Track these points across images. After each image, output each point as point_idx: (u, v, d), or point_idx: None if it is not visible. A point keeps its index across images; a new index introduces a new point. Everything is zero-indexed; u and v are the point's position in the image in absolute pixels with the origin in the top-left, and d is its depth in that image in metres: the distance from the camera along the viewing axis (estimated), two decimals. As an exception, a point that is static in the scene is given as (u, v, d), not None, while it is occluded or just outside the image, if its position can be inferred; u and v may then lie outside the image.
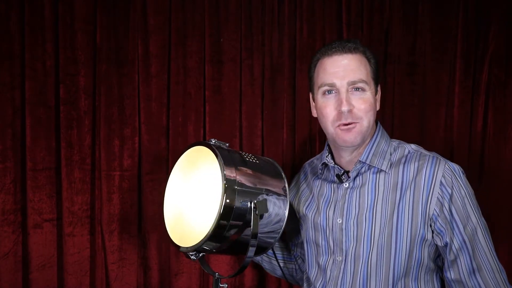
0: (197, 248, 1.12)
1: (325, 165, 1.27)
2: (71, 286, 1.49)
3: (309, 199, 1.30)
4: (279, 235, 1.23)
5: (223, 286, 1.21)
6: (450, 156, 1.57)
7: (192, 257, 1.15)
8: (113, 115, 1.51)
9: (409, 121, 1.58)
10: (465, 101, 1.57)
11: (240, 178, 1.12)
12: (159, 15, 1.52)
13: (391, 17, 1.58)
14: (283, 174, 1.26)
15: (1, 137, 1.44)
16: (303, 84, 1.56)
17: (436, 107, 1.58)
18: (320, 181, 1.29)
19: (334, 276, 1.19)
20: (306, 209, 1.29)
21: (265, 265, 1.45)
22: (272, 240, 1.24)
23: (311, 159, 1.42)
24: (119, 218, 1.52)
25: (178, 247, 1.18)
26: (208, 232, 1.09)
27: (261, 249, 1.26)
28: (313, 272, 1.27)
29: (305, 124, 1.58)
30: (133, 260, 1.54)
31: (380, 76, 1.55)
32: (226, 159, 1.12)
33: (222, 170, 1.10)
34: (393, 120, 1.59)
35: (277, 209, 1.20)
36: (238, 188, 1.11)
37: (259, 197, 1.15)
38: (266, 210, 1.14)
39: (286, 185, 1.25)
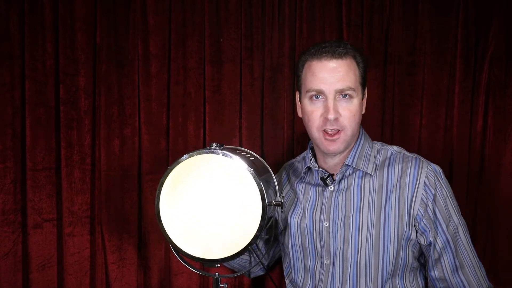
0: (239, 255, 1.14)
1: (309, 168, 1.28)
2: (71, 286, 1.49)
3: (294, 203, 1.30)
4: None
5: (223, 286, 1.21)
6: (450, 156, 1.57)
7: (217, 265, 1.17)
8: (113, 115, 1.51)
9: (409, 121, 1.58)
10: (465, 101, 1.57)
11: (261, 181, 1.15)
12: (159, 15, 1.52)
13: (391, 17, 1.57)
14: (267, 166, 1.30)
15: (1, 137, 1.44)
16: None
17: (436, 107, 1.58)
18: (304, 184, 1.30)
19: (323, 279, 1.21)
20: (291, 213, 1.29)
21: None
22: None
23: (291, 161, 1.43)
24: (119, 218, 1.52)
25: (202, 260, 1.17)
26: (251, 239, 1.11)
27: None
28: (300, 277, 1.28)
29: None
30: (133, 260, 1.54)
31: (381, 77, 1.56)
32: (250, 166, 1.13)
33: (255, 177, 1.11)
34: (393, 120, 1.59)
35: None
36: (267, 190, 1.14)
37: (271, 193, 1.19)
38: (284, 206, 1.20)
39: (274, 177, 1.29)
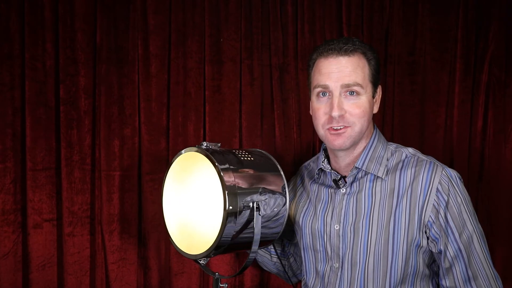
0: (207, 255, 1.14)
1: (322, 170, 1.27)
2: (71, 286, 1.49)
3: (307, 204, 1.29)
4: (281, 230, 1.25)
5: (223, 286, 1.21)
6: (450, 156, 1.57)
7: (201, 262, 1.16)
8: (113, 115, 1.51)
9: (409, 121, 1.58)
10: (465, 101, 1.57)
11: (239, 181, 1.13)
12: (159, 15, 1.52)
13: (391, 17, 1.58)
14: (278, 167, 1.27)
15: (1, 137, 1.44)
16: (305, 83, 1.56)
17: (436, 107, 1.58)
18: (317, 185, 1.28)
19: (332, 282, 1.19)
20: (303, 215, 1.28)
21: (257, 258, 1.45)
22: (274, 237, 1.26)
23: (308, 162, 1.42)
24: (119, 218, 1.52)
25: (187, 255, 1.20)
26: (216, 239, 1.11)
27: (263, 244, 1.28)
28: (311, 279, 1.27)
29: (310, 123, 1.58)
30: (133, 260, 1.54)
31: (381, 77, 1.55)
32: (222, 163, 1.12)
33: (221, 177, 1.10)
34: (393, 120, 1.59)
35: (278, 205, 1.21)
36: (239, 191, 1.12)
37: (260, 196, 1.16)
38: (269, 209, 1.16)
39: (284, 179, 1.26)
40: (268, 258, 1.43)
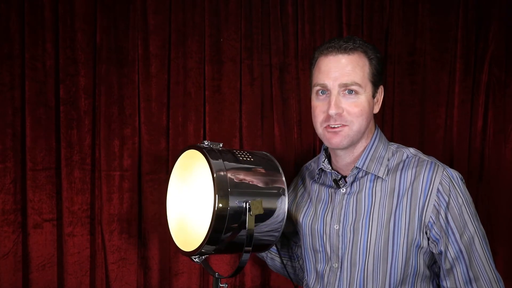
0: (197, 252, 1.13)
1: (322, 169, 1.26)
2: (71, 286, 1.49)
3: (307, 205, 1.29)
4: (280, 233, 1.23)
5: (223, 286, 1.21)
6: (450, 156, 1.57)
7: (195, 259, 1.16)
8: (113, 115, 1.51)
9: (409, 121, 1.58)
10: (465, 101, 1.57)
11: (233, 179, 1.12)
12: (159, 15, 1.52)
13: (391, 17, 1.58)
14: (280, 169, 1.25)
15: (1, 137, 1.44)
16: (306, 83, 1.57)
17: (436, 107, 1.58)
18: (317, 185, 1.28)
19: (331, 283, 1.18)
20: (304, 215, 1.27)
21: (268, 262, 1.45)
22: (273, 239, 1.24)
23: (309, 162, 1.41)
24: (119, 218, 1.52)
25: (181, 251, 1.21)
26: (205, 237, 1.10)
27: (263, 247, 1.27)
28: (311, 279, 1.26)
29: (311, 123, 1.58)
30: (133, 260, 1.54)
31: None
32: (217, 162, 1.12)
33: (213, 174, 1.10)
34: (393, 120, 1.59)
35: (276, 207, 1.20)
36: (231, 190, 1.11)
37: (255, 196, 1.15)
38: (262, 210, 1.13)
39: (284, 181, 1.24)
40: (277, 261, 1.43)
